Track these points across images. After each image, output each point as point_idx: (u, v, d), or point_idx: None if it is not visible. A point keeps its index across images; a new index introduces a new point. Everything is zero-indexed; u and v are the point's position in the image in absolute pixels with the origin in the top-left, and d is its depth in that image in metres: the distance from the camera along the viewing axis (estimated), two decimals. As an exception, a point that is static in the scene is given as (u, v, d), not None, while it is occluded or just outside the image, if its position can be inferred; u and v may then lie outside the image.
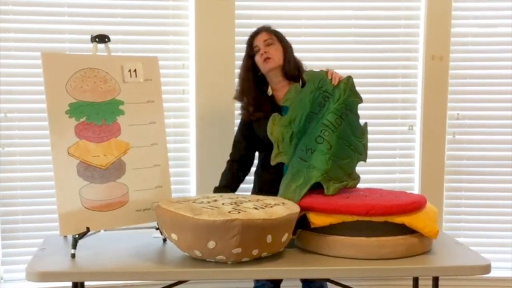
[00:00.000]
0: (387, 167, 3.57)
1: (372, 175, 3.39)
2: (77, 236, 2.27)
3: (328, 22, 3.47)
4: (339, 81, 2.60)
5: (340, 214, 2.27)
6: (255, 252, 2.15)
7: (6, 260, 3.33)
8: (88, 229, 2.29)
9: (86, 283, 2.48)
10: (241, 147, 2.85)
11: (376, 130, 3.32)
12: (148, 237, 2.53)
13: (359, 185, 2.60)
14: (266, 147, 2.70)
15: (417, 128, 3.54)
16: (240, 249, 2.09)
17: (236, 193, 2.75)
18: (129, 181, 2.45)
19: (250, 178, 2.91)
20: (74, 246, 2.26)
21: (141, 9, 3.34)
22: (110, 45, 2.54)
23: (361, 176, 2.61)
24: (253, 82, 2.80)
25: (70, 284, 2.32)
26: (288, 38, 2.83)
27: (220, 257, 2.13)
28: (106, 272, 2.16)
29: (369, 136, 2.67)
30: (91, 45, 2.51)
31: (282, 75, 2.77)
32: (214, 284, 3.18)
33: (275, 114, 2.63)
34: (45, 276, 2.12)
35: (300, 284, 2.96)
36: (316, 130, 2.53)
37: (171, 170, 2.65)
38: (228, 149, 2.88)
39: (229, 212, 2.10)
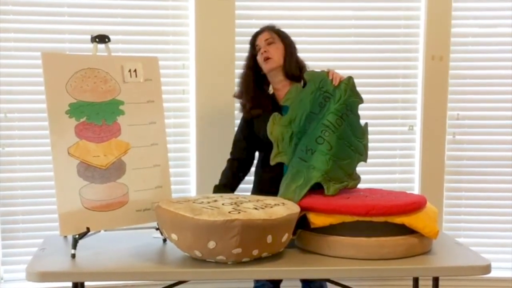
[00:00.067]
0: (387, 167, 3.57)
1: (372, 175, 3.39)
2: (77, 236, 2.27)
3: (328, 22, 3.47)
4: (340, 82, 2.60)
5: (340, 214, 2.27)
6: (255, 252, 2.15)
7: (6, 260, 3.33)
8: (88, 229, 2.29)
9: (86, 283, 2.48)
10: (241, 146, 2.85)
11: (376, 130, 3.31)
12: (148, 237, 2.53)
13: (359, 185, 2.60)
14: (266, 147, 2.70)
15: (417, 128, 3.54)
16: (240, 249, 2.09)
17: (236, 193, 2.75)
18: (129, 181, 2.45)
19: (250, 178, 2.91)
20: (74, 246, 2.26)
21: (141, 9, 3.34)
22: (110, 45, 2.54)
23: (361, 176, 2.61)
24: (253, 81, 2.80)
25: (70, 284, 2.32)
26: (289, 38, 2.83)
27: (220, 257, 2.13)
28: (106, 272, 2.16)
29: (369, 136, 2.67)
30: (91, 45, 2.51)
31: (283, 74, 2.77)
32: (214, 284, 3.18)
33: (275, 114, 2.63)
34: (45, 276, 2.12)
35: (300, 284, 2.96)
36: (316, 131, 2.53)
37: (171, 170, 2.65)
38: (228, 149, 2.88)
39: (229, 212, 2.10)
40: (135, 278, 2.36)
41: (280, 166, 2.64)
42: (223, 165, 2.87)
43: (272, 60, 2.73)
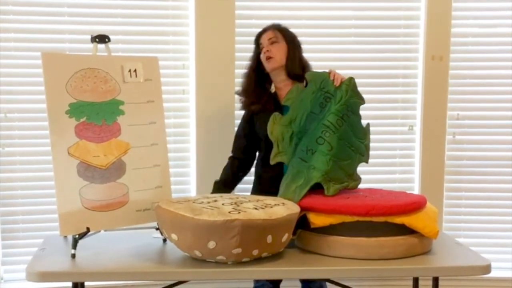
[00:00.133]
0: (387, 167, 3.57)
1: (372, 175, 3.39)
2: (77, 236, 2.27)
3: (328, 22, 3.47)
4: (341, 82, 2.60)
5: (340, 214, 2.27)
6: (255, 252, 2.15)
7: (6, 260, 3.33)
8: (88, 229, 2.29)
9: (86, 283, 2.48)
10: (241, 144, 2.86)
11: (376, 130, 3.30)
12: (148, 237, 2.53)
13: (359, 185, 2.60)
14: (266, 146, 2.70)
15: (417, 128, 3.54)
16: (240, 249, 2.09)
17: (236, 193, 2.75)
18: (129, 181, 2.45)
19: (250, 178, 2.91)
20: (74, 246, 2.26)
21: (141, 9, 3.34)
22: (110, 45, 2.54)
23: (362, 176, 2.61)
24: (254, 79, 2.80)
25: (70, 284, 2.32)
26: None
27: (220, 257, 2.13)
28: (106, 272, 2.16)
29: (370, 137, 2.67)
30: (91, 45, 2.51)
31: (285, 74, 2.77)
32: (214, 284, 3.18)
33: (276, 113, 2.63)
34: (45, 276, 2.12)
35: (299, 284, 2.96)
36: (317, 131, 2.53)
37: (171, 170, 2.65)
38: (228, 149, 2.89)
39: (229, 212, 2.10)
40: (135, 278, 2.35)
41: (280, 166, 2.64)
42: (223, 165, 2.87)
43: (274, 59, 2.73)
